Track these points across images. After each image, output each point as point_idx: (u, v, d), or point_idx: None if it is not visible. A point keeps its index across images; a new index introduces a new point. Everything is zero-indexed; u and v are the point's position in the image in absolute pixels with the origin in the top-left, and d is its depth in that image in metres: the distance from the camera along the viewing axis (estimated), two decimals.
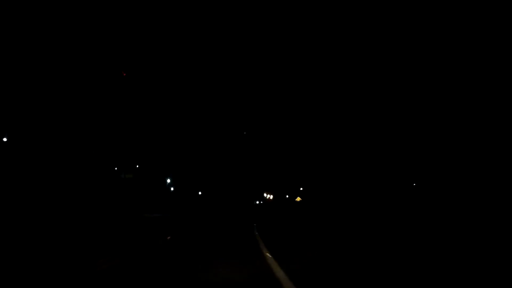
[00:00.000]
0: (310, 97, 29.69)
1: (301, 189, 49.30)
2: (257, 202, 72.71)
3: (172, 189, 35.12)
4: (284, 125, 39.21)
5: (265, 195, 73.91)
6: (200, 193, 45.92)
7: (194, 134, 37.97)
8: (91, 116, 18.57)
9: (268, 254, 7.76)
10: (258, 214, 35.22)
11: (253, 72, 31.91)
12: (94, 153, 18.71)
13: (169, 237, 10.48)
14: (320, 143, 32.85)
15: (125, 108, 23.22)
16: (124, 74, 22.92)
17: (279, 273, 5.78)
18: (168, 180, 35.33)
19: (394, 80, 20.13)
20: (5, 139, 14.93)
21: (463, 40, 15.37)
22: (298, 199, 43.15)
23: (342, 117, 26.98)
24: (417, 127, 19.32)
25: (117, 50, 21.62)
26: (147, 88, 26.41)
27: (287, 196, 58.24)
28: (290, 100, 33.10)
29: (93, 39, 19.07)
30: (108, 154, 20.18)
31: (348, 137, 27.12)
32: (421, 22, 17.04)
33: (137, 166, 24.01)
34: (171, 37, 24.49)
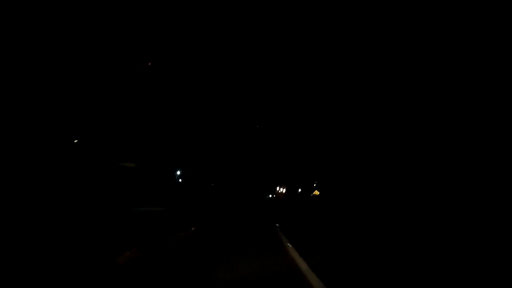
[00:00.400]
0: (324, 90, 28.05)
1: (315, 184, 47.84)
2: (270, 196, 71.70)
3: (180, 180, 34.02)
4: (298, 118, 37.73)
5: (277, 188, 72.74)
6: (211, 185, 45.11)
7: (206, 127, 36.82)
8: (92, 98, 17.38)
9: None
10: (275, 209, 33.72)
11: (267, 65, 30.52)
12: (90, 142, 17.55)
13: (182, 234, 9.34)
14: (335, 136, 31.19)
15: (134, 97, 22.24)
16: (149, 64, 22.60)
17: None
18: (178, 172, 34.25)
19: (416, 75, 18.51)
20: None
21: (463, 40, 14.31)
22: (316, 193, 41.78)
23: (357, 111, 25.30)
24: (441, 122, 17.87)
25: (133, 38, 20.61)
26: (161, 77, 25.37)
27: (299, 190, 56.92)
28: (304, 92, 31.54)
29: (107, 25, 18.13)
30: (108, 144, 19.01)
31: (365, 131, 25.39)
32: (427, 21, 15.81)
33: (142, 156, 22.82)
34: (186, 29, 23.50)
